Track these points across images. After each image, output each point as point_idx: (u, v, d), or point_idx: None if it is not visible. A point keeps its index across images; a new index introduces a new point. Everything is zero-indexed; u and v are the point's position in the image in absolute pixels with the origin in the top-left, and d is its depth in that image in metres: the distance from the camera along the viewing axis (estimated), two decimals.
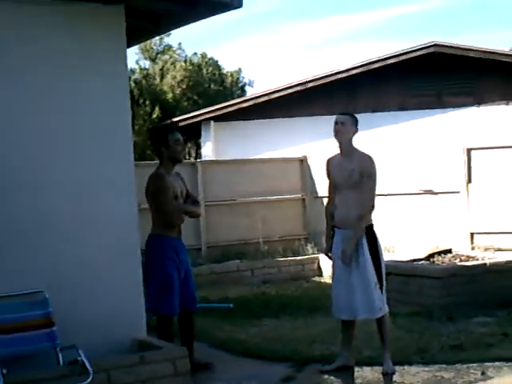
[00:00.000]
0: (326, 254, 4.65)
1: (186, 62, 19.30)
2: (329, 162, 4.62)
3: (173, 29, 4.95)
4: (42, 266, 3.88)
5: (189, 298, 4.61)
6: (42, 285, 3.82)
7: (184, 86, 18.30)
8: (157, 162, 4.74)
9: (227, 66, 20.70)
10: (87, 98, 4.07)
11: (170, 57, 19.59)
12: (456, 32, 36.31)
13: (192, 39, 30.75)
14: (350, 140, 4.49)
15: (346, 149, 4.47)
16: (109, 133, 4.14)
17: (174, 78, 18.40)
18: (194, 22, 4.53)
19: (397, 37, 37.72)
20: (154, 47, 19.98)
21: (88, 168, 4.07)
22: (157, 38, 17.70)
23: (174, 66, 18.83)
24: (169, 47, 19.99)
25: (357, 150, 4.49)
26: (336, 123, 4.46)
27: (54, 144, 3.99)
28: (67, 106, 4.02)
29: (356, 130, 4.51)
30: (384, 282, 4.42)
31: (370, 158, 4.44)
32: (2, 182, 3.81)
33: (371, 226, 4.43)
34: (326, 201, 4.74)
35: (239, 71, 20.95)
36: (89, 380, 3.49)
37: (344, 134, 4.45)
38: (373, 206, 4.46)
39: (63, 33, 4.01)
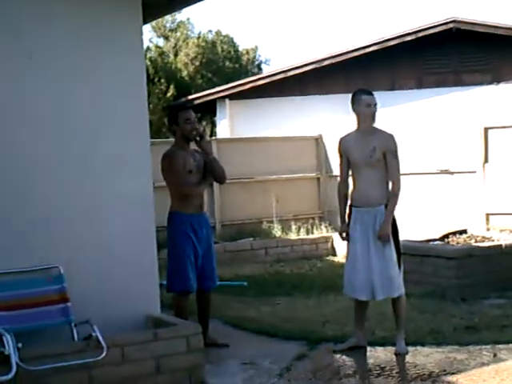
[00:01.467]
0: (341, 234, 4.60)
1: (198, 38, 19.14)
2: (342, 140, 4.54)
3: (189, 5, 4.88)
4: (58, 243, 3.91)
5: (207, 276, 4.61)
6: (58, 260, 3.85)
7: (198, 63, 18.20)
8: (173, 139, 4.74)
9: (243, 44, 20.55)
10: (103, 75, 4.04)
11: (182, 34, 19.43)
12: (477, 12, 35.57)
13: (206, 16, 30.49)
14: None
15: (368, 127, 4.41)
16: (125, 111, 4.11)
17: (187, 55, 18.29)
18: None
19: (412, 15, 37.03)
20: (167, 24, 19.84)
21: (104, 146, 4.05)
22: (168, 15, 17.57)
23: (187, 43, 18.71)
24: (181, 23, 19.82)
25: (377, 128, 4.43)
26: (375, 105, 4.38)
27: (70, 122, 3.97)
28: (82, 85, 3.99)
29: None
30: (402, 262, 4.40)
31: (392, 137, 4.40)
32: (21, 162, 3.83)
33: (387, 204, 4.39)
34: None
35: (256, 49, 20.73)
36: (103, 355, 3.53)
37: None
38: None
39: (78, 10, 3.97)
